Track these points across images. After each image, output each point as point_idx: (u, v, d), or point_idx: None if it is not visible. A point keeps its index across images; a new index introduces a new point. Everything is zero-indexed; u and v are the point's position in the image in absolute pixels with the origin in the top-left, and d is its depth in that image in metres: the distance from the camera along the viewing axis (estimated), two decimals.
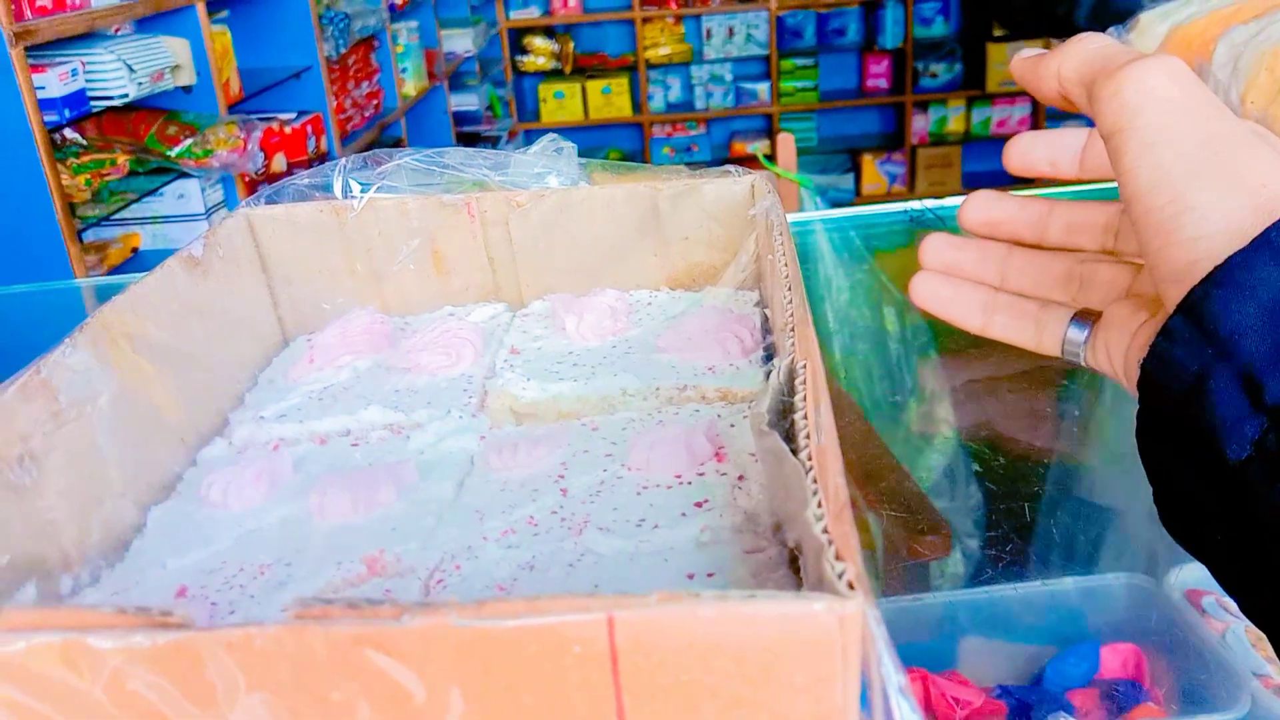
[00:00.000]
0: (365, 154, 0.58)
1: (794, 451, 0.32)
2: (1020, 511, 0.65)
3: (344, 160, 0.57)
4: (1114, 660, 0.72)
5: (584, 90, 4.85)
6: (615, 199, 0.58)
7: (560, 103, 4.87)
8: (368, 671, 0.26)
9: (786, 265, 0.46)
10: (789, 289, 0.44)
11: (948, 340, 0.79)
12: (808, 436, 0.32)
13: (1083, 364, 0.43)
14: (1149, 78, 0.33)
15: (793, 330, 0.40)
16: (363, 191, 0.57)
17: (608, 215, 0.59)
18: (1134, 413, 0.36)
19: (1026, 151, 0.42)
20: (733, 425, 0.47)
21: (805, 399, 0.34)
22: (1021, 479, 0.67)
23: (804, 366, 0.36)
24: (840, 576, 0.25)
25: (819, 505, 0.28)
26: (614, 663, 0.25)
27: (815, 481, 0.30)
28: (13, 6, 1.66)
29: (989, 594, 0.64)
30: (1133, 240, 0.43)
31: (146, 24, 2.17)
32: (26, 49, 1.68)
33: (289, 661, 0.26)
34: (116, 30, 2.09)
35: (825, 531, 0.27)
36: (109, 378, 0.46)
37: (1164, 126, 0.33)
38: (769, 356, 0.52)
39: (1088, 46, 0.36)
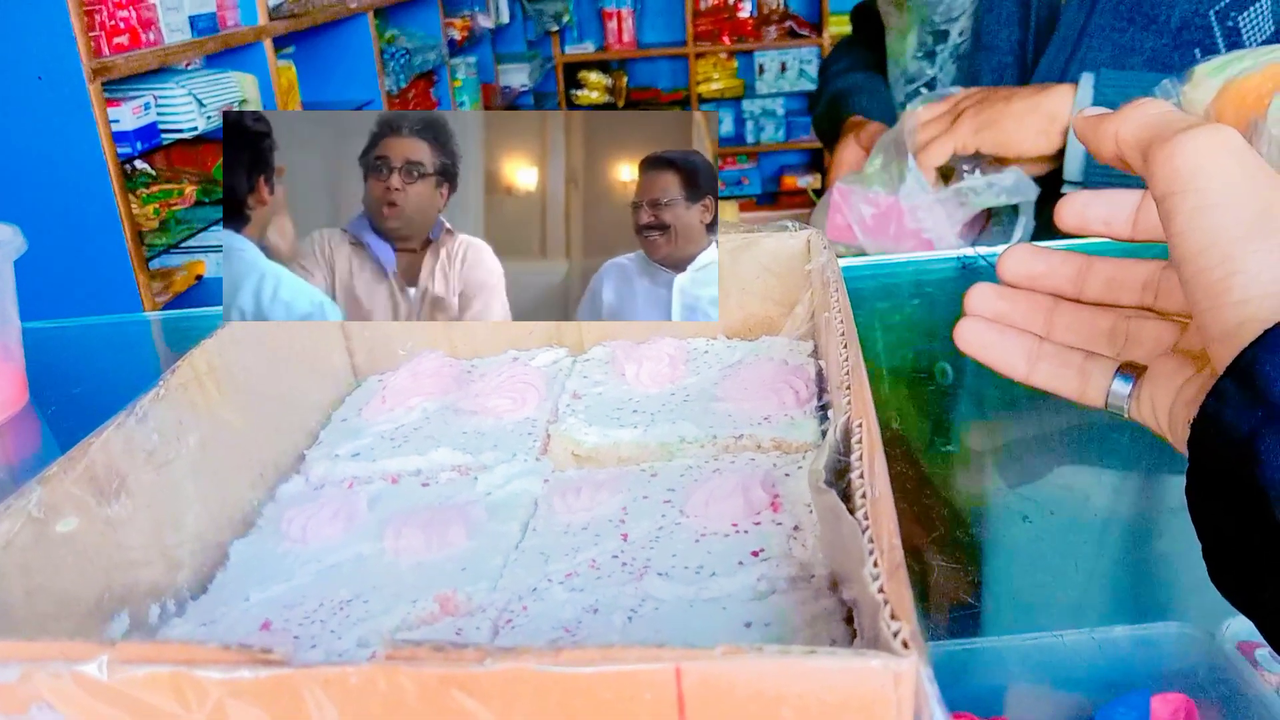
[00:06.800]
0: None
1: (850, 510, 0.34)
2: (1070, 559, 0.66)
3: None
4: (1165, 710, 0.71)
5: None
6: None
7: None
8: (453, 711, 0.28)
9: (842, 322, 0.48)
10: (844, 346, 0.45)
11: (998, 392, 0.80)
12: (864, 496, 0.34)
13: (1126, 417, 0.44)
14: (1203, 145, 0.35)
15: (848, 388, 0.42)
16: None
17: None
18: (1181, 465, 0.37)
19: (1081, 210, 0.43)
20: (788, 475, 0.49)
21: (861, 458, 0.36)
22: (1071, 528, 0.67)
23: (860, 425, 0.38)
24: (896, 635, 0.27)
25: (875, 564, 0.30)
26: (681, 710, 0.27)
27: (871, 541, 0.31)
28: (92, 44, 1.73)
29: (1038, 640, 0.64)
30: (1174, 298, 0.44)
31: (216, 59, 2.24)
32: (103, 84, 1.75)
33: (380, 699, 0.28)
34: (187, 65, 2.17)
35: (881, 591, 0.28)
36: (198, 419, 0.49)
37: (1216, 191, 0.34)
38: (823, 407, 0.54)
39: (1146, 111, 0.37)
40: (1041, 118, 0.97)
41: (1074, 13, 1.05)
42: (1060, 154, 0.99)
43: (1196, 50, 1.01)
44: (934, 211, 1.02)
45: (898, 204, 1.03)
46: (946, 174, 1.05)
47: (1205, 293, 0.34)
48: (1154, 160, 0.36)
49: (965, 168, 1.03)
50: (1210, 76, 0.92)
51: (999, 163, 1.03)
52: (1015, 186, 1.00)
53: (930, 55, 1.18)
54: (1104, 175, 0.94)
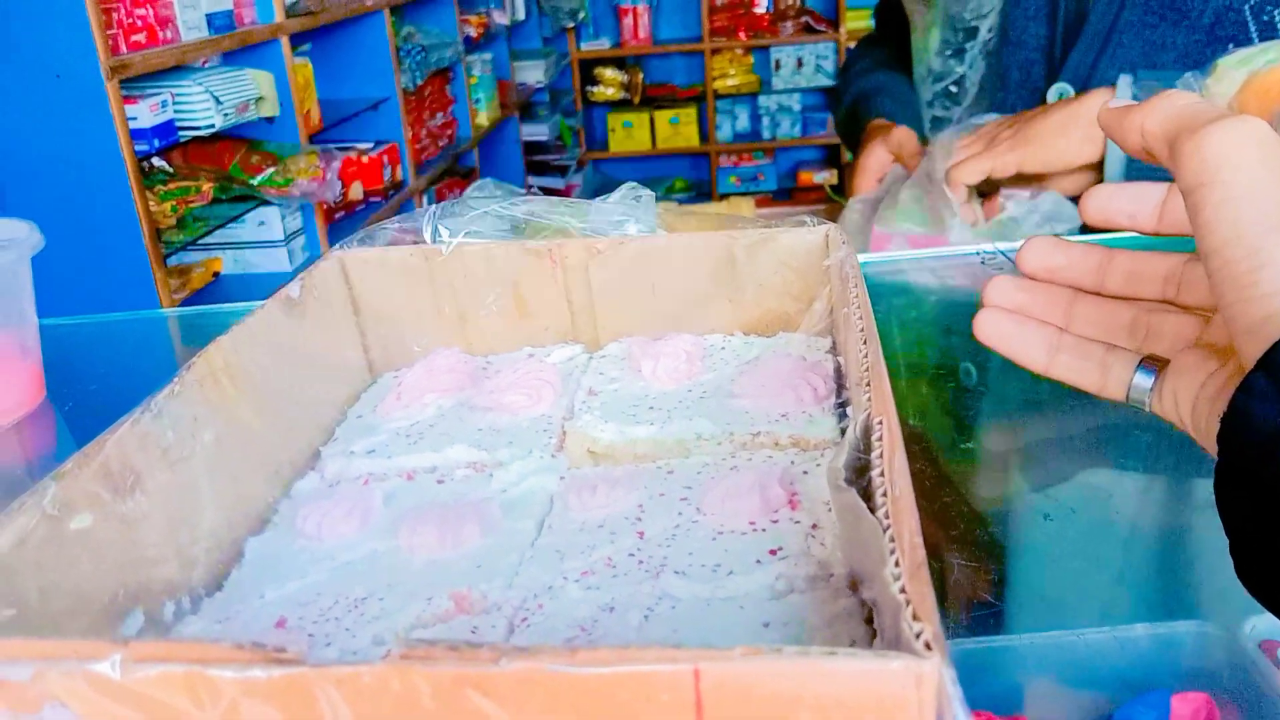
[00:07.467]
0: (454, 200, 0.60)
1: (871, 509, 0.34)
2: (1091, 558, 0.65)
3: (434, 207, 0.60)
4: (1185, 709, 0.71)
5: (652, 120, 4.91)
6: (692, 247, 0.60)
7: (628, 132, 4.93)
8: (467, 711, 0.27)
9: (861, 318, 0.47)
10: (864, 342, 0.45)
11: (1020, 390, 0.79)
12: (884, 494, 0.33)
13: (1147, 411, 0.43)
14: (1231, 136, 0.34)
15: (868, 385, 0.41)
16: (451, 236, 0.60)
17: (684, 263, 0.60)
18: (1204, 463, 0.36)
19: (1106, 204, 0.43)
20: (805, 472, 0.48)
21: (881, 456, 0.36)
22: (1094, 526, 0.67)
23: (880, 423, 0.37)
24: (918, 636, 0.26)
25: (896, 564, 0.29)
26: (699, 712, 0.27)
27: (892, 540, 0.31)
28: (109, 42, 1.74)
29: (1057, 638, 0.64)
30: (1196, 292, 0.43)
31: (233, 57, 2.24)
32: (121, 82, 1.75)
33: (394, 699, 0.28)
34: (204, 63, 2.17)
35: (903, 591, 0.28)
36: (213, 415, 0.49)
37: (1244, 184, 0.34)
38: (842, 404, 0.53)
39: (1174, 103, 0.37)
40: (1084, 124, 0.95)
41: (1103, 9, 1.03)
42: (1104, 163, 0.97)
43: (1230, 45, 0.99)
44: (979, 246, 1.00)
45: (944, 241, 1.01)
46: (982, 194, 1.04)
47: (1232, 285, 0.33)
48: (1181, 152, 0.35)
49: (1007, 193, 1.02)
50: (1234, 69, 0.91)
51: (1039, 181, 1.01)
52: (1056, 211, 0.99)
53: (959, 53, 1.17)
54: (1148, 176, 0.92)
